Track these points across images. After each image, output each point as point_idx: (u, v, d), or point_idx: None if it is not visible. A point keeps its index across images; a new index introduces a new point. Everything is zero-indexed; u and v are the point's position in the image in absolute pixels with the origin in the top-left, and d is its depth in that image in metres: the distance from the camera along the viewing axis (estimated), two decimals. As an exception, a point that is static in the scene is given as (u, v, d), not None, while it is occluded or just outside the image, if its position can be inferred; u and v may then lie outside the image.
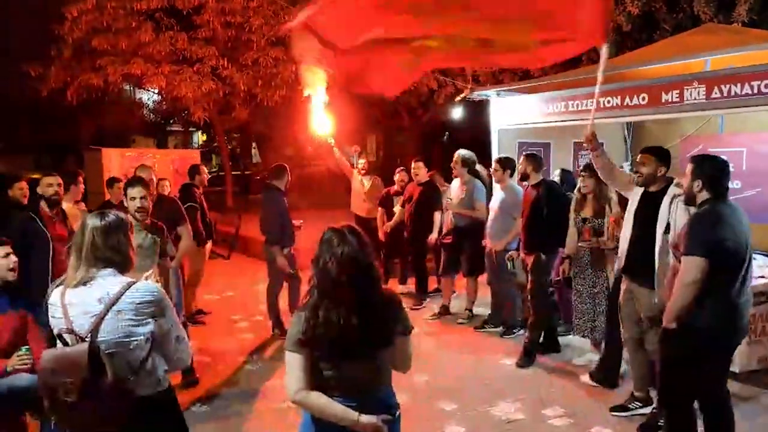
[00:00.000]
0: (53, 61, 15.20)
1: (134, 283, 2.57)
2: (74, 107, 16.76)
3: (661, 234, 4.28)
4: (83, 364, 2.38)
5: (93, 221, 2.62)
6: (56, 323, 2.55)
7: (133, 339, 2.49)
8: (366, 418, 2.33)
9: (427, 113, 21.03)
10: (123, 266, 2.65)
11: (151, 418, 2.56)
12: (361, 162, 9.27)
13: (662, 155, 4.46)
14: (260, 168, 31.10)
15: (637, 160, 4.51)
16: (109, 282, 2.55)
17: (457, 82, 13.25)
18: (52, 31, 14.84)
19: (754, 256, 5.75)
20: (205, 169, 8.20)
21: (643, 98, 5.77)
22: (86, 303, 2.50)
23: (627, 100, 5.90)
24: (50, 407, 2.45)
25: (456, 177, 7.35)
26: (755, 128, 6.97)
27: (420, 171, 7.92)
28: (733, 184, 6.90)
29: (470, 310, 7.34)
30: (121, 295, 2.50)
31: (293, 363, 2.39)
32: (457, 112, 18.31)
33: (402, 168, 8.93)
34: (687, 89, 5.41)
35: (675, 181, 4.37)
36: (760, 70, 4.98)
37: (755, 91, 4.98)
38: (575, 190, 5.82)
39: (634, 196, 4.60)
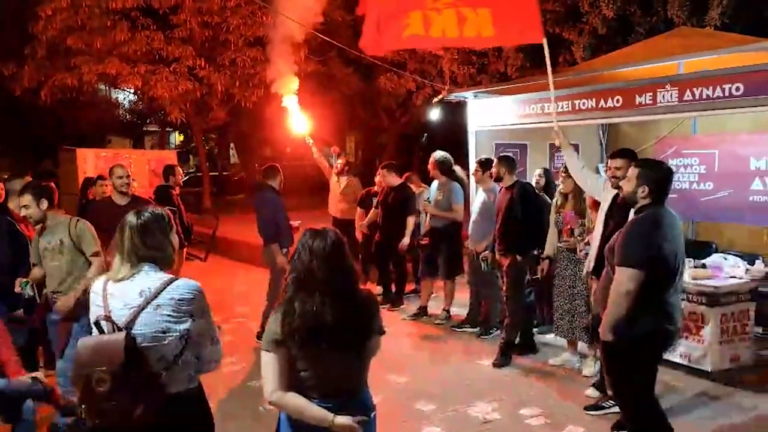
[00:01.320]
0: (27, 60, 14.99)
1: (175, 279, 2.55)
2: (49, 107, 16.54)
3: None
4: (119, 353, 2.35)
5: (131, 220, 2.61)
6: (95, 311, 2.55)
7: (168, 335, 2.47)
8: (341, 419, 2.33)
9: (406, 114, 21.08)
10: (164, 262, 2.64)
11: (181, 415, 2.53)
12: (339, 162, 9.24)
13: (634, 157, 4.47)
14: (238, 169, 30.93)
15: (615, 164, 4.47)
16: (150, 277, 2.54)
17: (434, 84, 13.30)
18: (25, 30, 14.64)
19: (725, 255, 5.90)
20: (180, 170, 8.13)
21: (618, 100, 5.85)
22: (127, 295, 2.50)
23: (602, 102, 5.97)
24: (81, 397, 2.41)
25: (433, 179, 7.39)
26: (727, 130, 7.09)
27: (387, 177, 7.86)
28: (705, 186, 7.01)
29: (447, 311, 7.37)
30: (162, 290, 2.49)
31: (269, 363, 2.39)
32: (435, 114, 18.36)
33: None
34: (660, 92, 5.49)
35: None
36: (732, 73, 5.07)
37: (727, 93, 5.07)
38: (557, 191, 5.87)
39: (606, 198, 4.64)
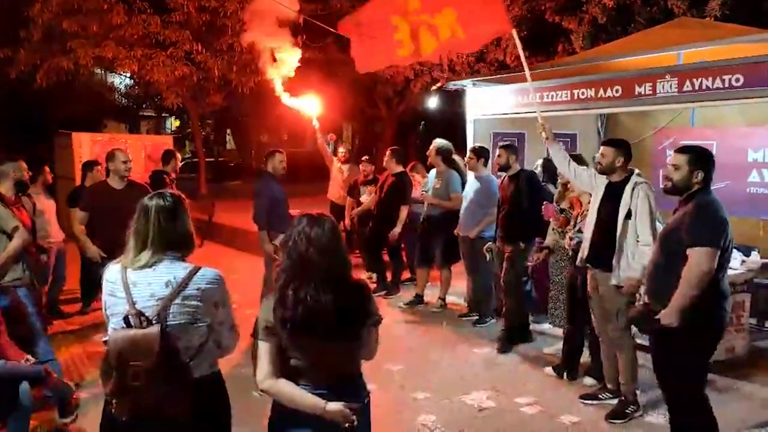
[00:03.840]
0: (23, 44, 14.86)
1: (199, 268, 2.50)
2: (44, 91, 16.42)
3: (622, 219, 4.35)
4: (155, 347, 2.32)
5: (158, 203, 2.51)
6: (116, 302, 2.46)
7: (196, 325, 2.45)
8: (333, 406, 2.33)
9: (403, 102, 21.01)
10: (188, 248, 2.59)
11: (204, 400, 2.51)
12: (341, 150, 9.25)
13: (620, 146, 4.51)
14: (235, 155, 30.87)
15: (601, 152, 4.56)
16: (175, 266, 2.48)
17: (433, 72, 13.26)
18: (21, 13, 14.50)
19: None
20: (179, 155, 8.11)
21: (617, 90, 5.83)
22: (152, 285, 2.43)
23: (601, 92, 5.95)
24: (114, 390, 2.37)
25: (432, 166, 7.36)
26: (725, 122, 7.07)
27: (389, 162, 7.79)
28: (704, 177, 7.00)
29: (443, 300, 7.37)
30: (189, 280, 2.45)
31: (262, 351, 2.39)
32: (433, 102, 18.34)
33: (366, 157, 8.93)
34: (660, 82, 5.47)
35: (636, 171, 4.48)
36: (731, 64, 5.05)
37: (726, 85, 5.05)
38: (558, 181, 5.86)
39: (598, 189, 4.62)
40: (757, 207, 6.57)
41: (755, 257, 5.87)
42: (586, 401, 4.77)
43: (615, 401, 4.66)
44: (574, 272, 5.12)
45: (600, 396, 4.77)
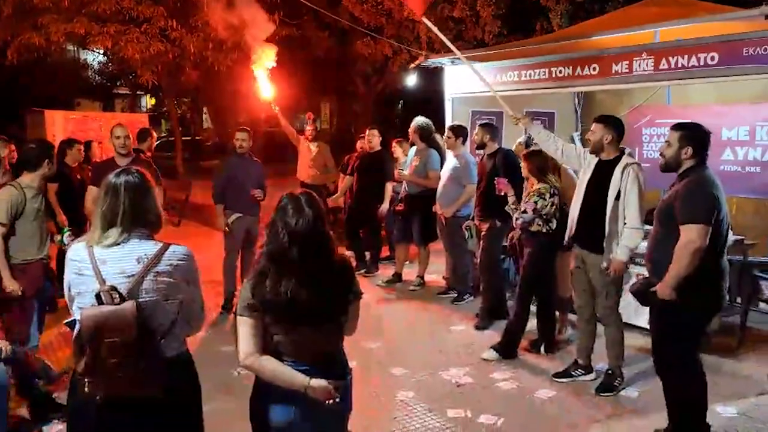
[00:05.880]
0: (-8, 19, 14.49)
1: (169, 245, 2.48)
2: (15, 69, 16.08)
3: (612, 200, 4.33)
4: (130, 323, 2.29)
5: (127, 180, 2.47)
6: (84, 281, 2.41)
7: (168, 302, 2.44)
8: (316, 383, 2.33)
9: (382, 80, 20.90)
10: (157, 226, 2.56)
11: (175, 379, 2.49)
12: (308, 128, 9.15)
13: (609, 122, 4.47)
14: (211, 134, 30.53)
15: (591, 129, 4.52)
16: (145, 243, 2.45)
17: (411, 49, 13.18)
18: (-11, -13, 14.12)
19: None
20: (155, 134, 8.00)
21: (594, 68, 5.86)
22: (122, 262, 2.40)
23: (578, 70, 5.97)
24: (88, 369, 2.33)
25: (412, 144, 7.36)
26: (700, 100, 7.14)
27: (375, 139, 7.84)
28: (678, 155, 7.07)
29: (421, 278, 7.41)
30: (160, 256, 2.43)
31: (244, 327, 2.39)
32: (411, 80, 18.24)
33: (363, 135, 8.87)
34: (636, 60, 5.51)
35: (627, 151, 4.46)
36: (706, 42, 5.09)
37: (701, 63, 5.10)
38: None
39: (588, 166, 4.60)
40: (729, 184, 6.63)
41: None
42: (559, 379, 4.83)
43: (586, 377, 4.77)
44: (523, 250, 5.29)
45: (572, 372, 4.84)
